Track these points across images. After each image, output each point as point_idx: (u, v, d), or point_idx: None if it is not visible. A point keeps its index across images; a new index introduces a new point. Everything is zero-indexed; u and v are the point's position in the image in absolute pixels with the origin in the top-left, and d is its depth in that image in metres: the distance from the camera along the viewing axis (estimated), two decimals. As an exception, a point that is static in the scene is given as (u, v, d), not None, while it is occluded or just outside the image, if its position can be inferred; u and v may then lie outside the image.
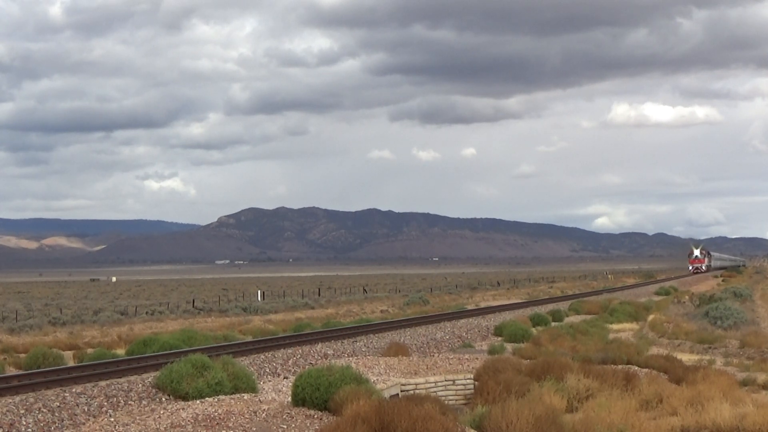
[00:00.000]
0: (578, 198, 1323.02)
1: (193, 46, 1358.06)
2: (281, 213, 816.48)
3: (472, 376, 21.73)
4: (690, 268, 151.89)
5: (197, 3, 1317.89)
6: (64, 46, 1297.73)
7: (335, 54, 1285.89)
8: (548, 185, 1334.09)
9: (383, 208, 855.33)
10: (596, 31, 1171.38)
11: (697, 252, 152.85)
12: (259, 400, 16.93)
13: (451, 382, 21.72)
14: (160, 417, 15.24)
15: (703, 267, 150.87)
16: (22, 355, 29.21)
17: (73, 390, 18.23)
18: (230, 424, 14.49)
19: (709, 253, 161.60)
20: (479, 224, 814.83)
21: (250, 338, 34.52)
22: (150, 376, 19.93)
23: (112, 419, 15.65)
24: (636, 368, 23.67)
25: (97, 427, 15.13)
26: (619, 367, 23.37)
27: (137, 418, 15.42)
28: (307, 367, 21.79)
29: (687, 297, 59.96)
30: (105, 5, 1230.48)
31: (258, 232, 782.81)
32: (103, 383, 19.27)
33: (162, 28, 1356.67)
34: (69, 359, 28.84)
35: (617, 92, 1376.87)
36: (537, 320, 42.89)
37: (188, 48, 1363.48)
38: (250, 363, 23.41)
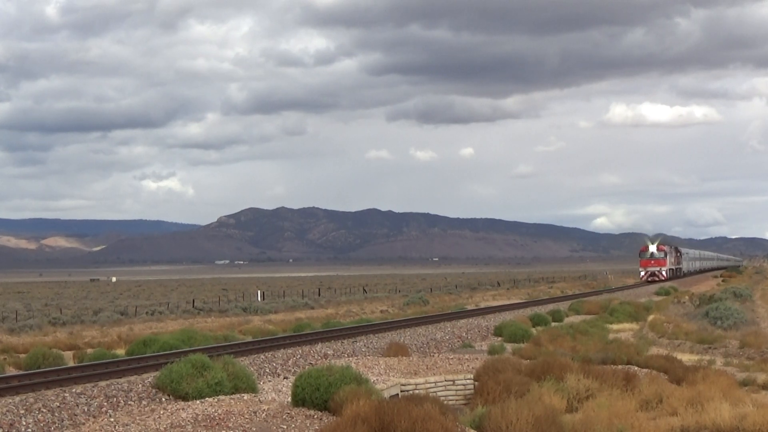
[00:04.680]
0: (577, 198, 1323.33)
1: (189, 46, 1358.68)
2: (281, 213, 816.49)
3: (472, 376, 21.74)
4: (642, 273, 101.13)
5: (193, 3, 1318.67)
6: (60, 46, 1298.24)
7: (332, 54, 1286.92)
8: (547, 185, 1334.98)
9: (383, 208, 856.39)
10: (594, 31, 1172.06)
11: (653, 248, 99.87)
12: (259, 400, 16.93)
13: (451, 382, 21.73)
14: (160, 417, 15.24)
15: (664, 271, 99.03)
16: (22, 355, 29.21)
17: (73, 390, 18.23)
18: (230, 424, 14.49)
19: (677, 251, 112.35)
20: (479, 224, 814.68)
21: (250, 338, 34.51)
22: (150, 376, 19.93)
23: (112, 419, 15.64)
24: (636, 368, 23.67)
25: (97, 427, 15.13)
26: (619, 367, 23.38)
27: (137, 418, 15.42)
28: (307, 367, 21.79)
29: (687, 297, 59.94)
30: (101, 5, 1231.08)
31: (258, 232, 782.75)
32: (103, 383, 19.27)
33: (158, 28, 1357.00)
34: (69, 359, 28.84)
35: (615, 92, 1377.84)
36: (537, 320, 42.89)
37: (185, 48, 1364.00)
38: (250, 363, 23.41)
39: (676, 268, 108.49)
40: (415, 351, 30.18)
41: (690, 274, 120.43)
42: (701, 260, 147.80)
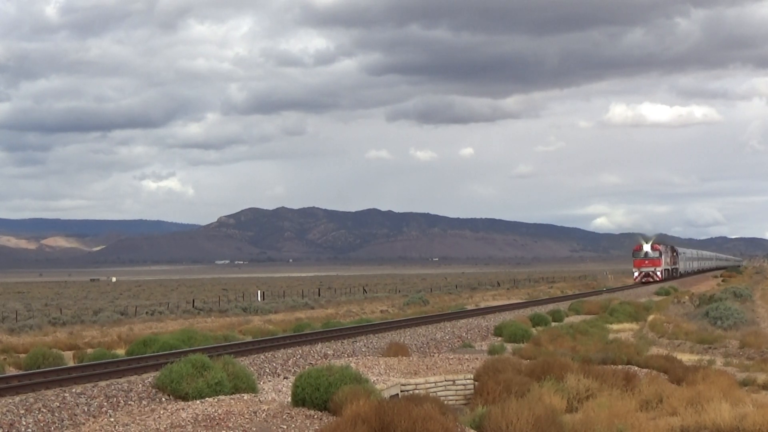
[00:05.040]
0: (577, 198, 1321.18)
1: (189, 46, 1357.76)
2: (281, 213, 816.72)
3: (472, 376, 21.74)
4: (635, 274, 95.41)
5: (192, 3, 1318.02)
6: (60, 46, 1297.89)
7: (331, 54, 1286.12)
8: (546, 185, 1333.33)
9: (383, 208, 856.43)
10: (594, 31, 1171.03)
11: (647, 247, 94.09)
12: (259, 400, 16.93)
13: (451, 382, 21.73)
14: (160, 417, 15.24)
15: (659, 272, 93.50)
16: (22, 355, 29.22)
17: (73, 390, 18.23)
18: (230, 424, 14.49)
19: (673, 250, 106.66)
20: (479, 224, 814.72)
21: (250, 338, 34.53)
22: (150, 376, 19.93)
23: (112, 419, 15.65)
24: (636, 368, 23.67)
25: (97, 427, 15.13)
26: (619, 367, 23.38)
27: (137, 418, 15.42)
28: (307, 367, 21.79)
29: (687, 297, 59.96)
30: (100, 5, 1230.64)
31: (258, 232, 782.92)
32: (103, 383, 19.27)
33: (158, 28, 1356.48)
34: (69, 359, 28.85)
35: (615, 92, 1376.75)
36: (537, 320, 42.88)
37: (184, 48, 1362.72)
38: (250, 363, 23.41)
39: (672, 269, 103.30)
40: (415, 351, 30.19)
41: (687, 274, 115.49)
42: (699, 260, 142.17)
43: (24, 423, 15.76)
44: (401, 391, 20.67)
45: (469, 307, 56.15)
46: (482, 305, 59.32)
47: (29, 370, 24.01)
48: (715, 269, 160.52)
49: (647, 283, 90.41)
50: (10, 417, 15.85)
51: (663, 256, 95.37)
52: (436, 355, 28.39)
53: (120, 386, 18.80)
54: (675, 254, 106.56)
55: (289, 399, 16.79)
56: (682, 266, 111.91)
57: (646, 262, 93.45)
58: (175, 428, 14.42)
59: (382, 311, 58.10)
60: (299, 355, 26.11)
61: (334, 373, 16.38)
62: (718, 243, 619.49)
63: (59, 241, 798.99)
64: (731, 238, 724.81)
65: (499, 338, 35.86)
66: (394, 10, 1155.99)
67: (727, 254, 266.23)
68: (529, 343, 32.52)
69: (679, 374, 22.40)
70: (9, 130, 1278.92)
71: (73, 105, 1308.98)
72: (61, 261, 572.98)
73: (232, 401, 16.31)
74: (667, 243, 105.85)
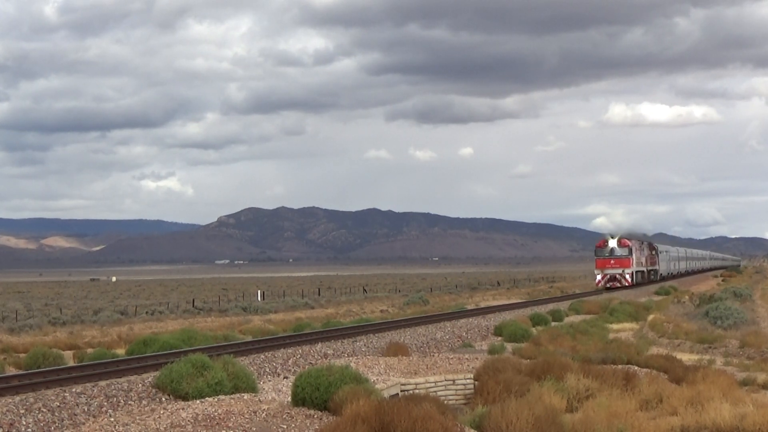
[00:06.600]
0: (576, 198, 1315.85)
1: (188, 46, 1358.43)
2: (281, 213, 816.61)
3: (472, 375, 21.74)
4: (598, 277, 76.44)
5: (191, 2, 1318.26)
6: (59, 46, 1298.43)
7: (330, 53, 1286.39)
8: (546, 185, 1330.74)
9: (383, 208, 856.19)
10: (593, 31, 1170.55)
11: (613, 243, 75.25)
12: (259, 400, 16.94)
13: (451, 382, 21.73)
14: (160, 417, 15.24)
15: (627, 275, 75.23)
16: (22, 355, 29.22)
17: (73, 390, 18.22)
18: (230, 424, 14.49)
19: (651, 247, 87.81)
20: (479, 224, 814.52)
21: (250, 338, 34.53)
22: (150, 376, 19.93)
23: (112, 419, 15.65)
24: (636, 368, 23.67)
25: (97, 427, 15.13)
26: (619, 367, 23.38)
27: (137, 418, 15.42)
28: (307, 367, 21.79)
29: (687, 297, 59.96)
30: (99, 4, 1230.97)
31: (258, 232, 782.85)
32: (103, 383, 19.26)
33: (156, 28, 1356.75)
34: (69, 359, 28.85)
35: (614, 92, 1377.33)
36: (537, 320, 42.85)
37: (183, 48, 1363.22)
38: (250, 363, 23.40)
39: (649, 270, 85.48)
40: (415, 351, 30.18)
41: (671, 277, 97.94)
42: (688, 260, 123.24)
43: (24, 423, 15.76)
44: (401, 391, 20.68)
45: (469, 307, 56.13)
46: (482, 305, 59.29)
47: (29, 369, 24.01)
48: (709, 270, 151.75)
49: (613, 288, 73.50)
50: (10, 417, 15.85)
51: (634, 255, 77.24)
52: (436, 354, 28.39)
53: (120, 386, 18.80)
54: (653, 252, 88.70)
55: (289, 399, 16.79)
56: (663, 267, 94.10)
57: (612, 261, 75.45)
58: (175, 428, 14.43)
59: (382, 311, 58.10)
60: (299, 355, 26.10)
61: (334, 372, 16.38)
62: (718, 243, 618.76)
63: (59, 241, 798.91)
64: (731, 238, 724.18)
65: (499, 338, 35.84)
66: (393, 10, 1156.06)
67: (725, 253, 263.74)
68: (529, 342, 32.50)
69: (679, 374, 22.40)
70: (8, 130, 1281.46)
71: (72, 105, 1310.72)
72: (61, 261, 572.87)
73: (232, 401, 16.31)
74: (642, 238, 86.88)
